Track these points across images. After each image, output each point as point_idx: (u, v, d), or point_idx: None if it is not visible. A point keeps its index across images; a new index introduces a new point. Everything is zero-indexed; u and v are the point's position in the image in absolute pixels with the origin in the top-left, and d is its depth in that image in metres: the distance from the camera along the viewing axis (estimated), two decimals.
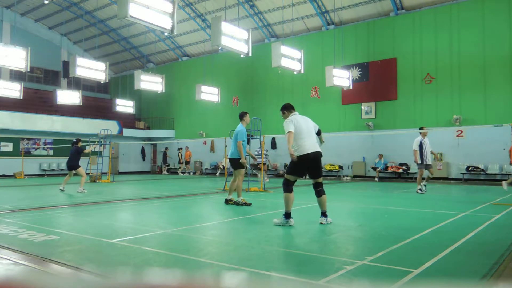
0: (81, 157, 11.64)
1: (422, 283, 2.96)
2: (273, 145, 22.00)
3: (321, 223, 5.62)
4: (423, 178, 10.93)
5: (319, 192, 5.73)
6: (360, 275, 3.16)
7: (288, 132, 5.65)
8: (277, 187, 13.05)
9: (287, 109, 6.12)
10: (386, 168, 18.05)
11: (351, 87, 17.27)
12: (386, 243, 4.36)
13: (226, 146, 14.52)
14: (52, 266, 3.49)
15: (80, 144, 11.75)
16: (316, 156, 5.69)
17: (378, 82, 18.94)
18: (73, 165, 11.42)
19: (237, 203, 8.05)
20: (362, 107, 19.36)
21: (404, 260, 3.65)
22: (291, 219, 5.57)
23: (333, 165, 19.71)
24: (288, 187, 5.66)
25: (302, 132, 5.75)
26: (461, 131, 16.53)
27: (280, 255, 3.93)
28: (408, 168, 17.67)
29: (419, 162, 10.70)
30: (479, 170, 15.99)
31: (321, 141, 6.39)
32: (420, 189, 10.79)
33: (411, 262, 3.56)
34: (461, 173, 16.51)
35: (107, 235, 4.87)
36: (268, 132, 19.84)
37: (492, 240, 4.66)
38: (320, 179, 5.75)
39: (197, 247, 4.42)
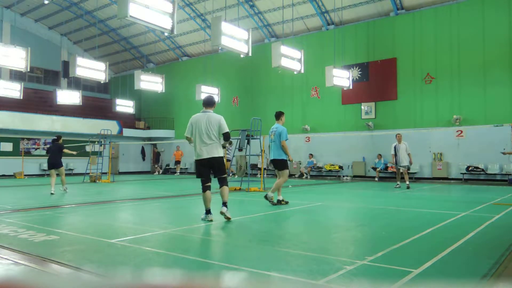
0: (62, 155, 11.33)
1: (422, 283, 2.97)
2: None
3: (221, 213, 5.83)
4: (402, 178, 12.98)
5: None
6: (360, 275, 3.16)
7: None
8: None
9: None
10: (386, 168, 18.04)
11: (351, 87, 17.26)
12: (386, 243, 4.36)
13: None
14: (52, 266, 3.49)
15: (61, 141, 11.51)
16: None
17: (378, 82, 18.93)
18: (56, 163, 11.03)
19: (272, 202, 7.80)
20: (362, 107, 19.36)
21: (404, 260, 3.65)
22: (210, 215, 5.86)
23: (333, 165, 19.70)
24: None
25: None
26: (461, 131, 16.52)
27: (280, 255, 3.93)
28: (408, 169, 17.61)
29: (394, 163, 12.92)
30: (479, 170, 15.99)
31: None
32: (398, 185, 12.95)
33: (411, 262, 3.56)
34: (461, 173, 16.51)
35: (107, 235, 4.87)
36: (268, 132, 19.79)
37: (492, 240, 4.67)
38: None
39: (197, 247, 4.43)
